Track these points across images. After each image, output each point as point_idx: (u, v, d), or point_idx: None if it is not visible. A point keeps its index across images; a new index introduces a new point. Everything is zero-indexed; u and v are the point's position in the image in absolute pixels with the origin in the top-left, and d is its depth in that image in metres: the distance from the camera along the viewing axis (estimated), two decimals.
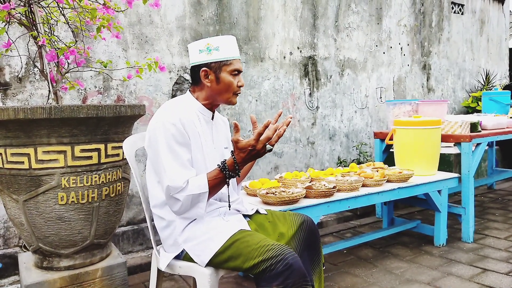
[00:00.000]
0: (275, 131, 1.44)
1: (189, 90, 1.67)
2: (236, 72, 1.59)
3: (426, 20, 5.05)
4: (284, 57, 3.75)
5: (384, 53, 4.57)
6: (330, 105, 4.11)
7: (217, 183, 1.48)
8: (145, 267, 2.69)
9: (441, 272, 2.55)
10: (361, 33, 4.34)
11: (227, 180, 1.48)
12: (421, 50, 5.01)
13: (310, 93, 3.95)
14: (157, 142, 1.48)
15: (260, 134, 1.42)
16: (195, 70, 1.60)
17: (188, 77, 3.18)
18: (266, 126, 1.40)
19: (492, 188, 4.86)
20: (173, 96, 3.11)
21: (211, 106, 1.66)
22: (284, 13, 3.73)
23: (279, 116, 1.53)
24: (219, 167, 1.48)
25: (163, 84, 3.07)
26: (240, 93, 1.64)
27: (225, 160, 1.49)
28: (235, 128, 1.44)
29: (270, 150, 1.47)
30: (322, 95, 4.05)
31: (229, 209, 1.60)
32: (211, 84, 1.59)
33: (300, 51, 3.86)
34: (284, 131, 1.47)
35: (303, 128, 3.92)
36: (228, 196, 1.59)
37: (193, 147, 1.54)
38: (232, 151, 1.47)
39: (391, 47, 4.64)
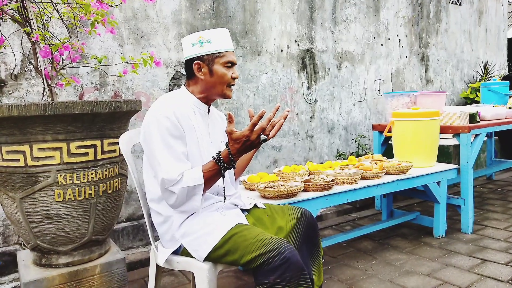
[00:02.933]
0: (269, 121, 1.43)
1: (184, 85, 1.66)
2: (230, 64, 1.59)
3: (424, 11, 5.02)
4: (282, 51, 3.73)
5: (382, 45, 4.55)
6: (328, 98, 4.10)
7: (212, 175, 1.47)
8: (145, 262, 2.70)
9: (440, 264, 2.55)
10: (358, 25, 4.31)
11: (222, 172, 1.47)
12: (419, 41, 4.98)
13: (308, 86, 3.94)
14: (151, 136, 1.47)
15: (254, 124, 1.41)
16: (188, 64, 1.60)
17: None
18: (260, 116, 1.39)
19: (491, 179, 4.86)
20: (171, 91, 3.09)
21: (207, 100, 1.65)
22: (280, 6, 3.70)
23: (277, 109, 1.52)
24: (214, 159, 1.47)
25: (160, 79, 3.06)
26: (234, 84, 1.63)
27: (220, 151, 1.48)
28: (229, 119, 1.43)
29: (265, 141, 1.46)
30: (320, 88, 4.03)
31: (224, 201, 1.60)
32: (204, 76, 1.58)
33: (298, 44, 3.84)
34: (282, 124, 1.46)
35: (301, 122, 3.90)
36: (224, 188, 1.58)
37: (188, 141, 1.53)
38: (226, 143, 1.47)
39: (389, 39, 4.62)
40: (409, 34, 4.85)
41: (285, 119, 1.47)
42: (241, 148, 1.44)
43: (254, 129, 1.42)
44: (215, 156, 1.47)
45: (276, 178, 2.45)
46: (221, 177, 1.50)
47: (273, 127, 1.44)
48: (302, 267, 1.36)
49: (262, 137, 1.45)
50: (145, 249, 2.88)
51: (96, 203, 1.81)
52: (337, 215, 3.68)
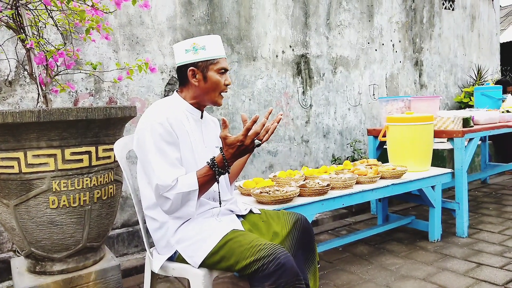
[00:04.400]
0: (263, 126, 1.44)
1: (176, 91, 1.67)
2: (223, 71, 1.60)
3: (417, 17, 5.07)
4: (277, 56, 3.74)
5: (376, 50, 4.58)
6: (323, 103, 4.11)
7: (207, 180, 1.47)
8: (141, 269, 2.68)
9: (436, 268, 2.56)
10: (352, 30, 4.34)
11: (217, 177, 1.48)
12: (413, 46, 5.02)
13: (303, 91, 3.95)
14: (145, 142, 1.48)
15: (248, 129, 1.42)
16: (181, 70, 1.61)
17: None
18: (254, 121, 1.41)
19: (485, 183, 4.89)
20: (166, 96, 3.10)
21: (199, 105, 1.66)
22: (275, 11, 3.72)
23: (270, 113, 1.53)
24: (208, 164, 1.47)
25: (155, 85, 3.06)
26: (226, 91, 1.64)
27: (214, 157, 1.48)
28: (223, 124, 1.44)
29: (259, 145, 1.47)
30: (315, 93, 4.05)
31: (220, 206, 1.60)
32: (198, 83, 1.59)
33: (293, 50, 3.86)
34: (275, 127, 1.47)
35: (297, 127, 3.92)
36: (219, 193, 1.58)
37: (182, 146, 1.53)
38: (221, 148, 1.47)
39: (383, 44, 4.65)
40: (403, 39, 4.89)
41: (278, 122, 1.48)
42: (235, 153, 1.45)
43: (248, 134, 1.43)
44: (209, 162, 1.48)
45: (272, 183, 2.45)
46: (216, 182, 1.51)
47: (267, 132, 1.45)
48: (297, 273, 1.36)
49: (256, 142, 1.45)
50: (140, 255, 2.87)
51: (91, 210, 1.81)
52: (333, 219, 3.68)
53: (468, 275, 2.43)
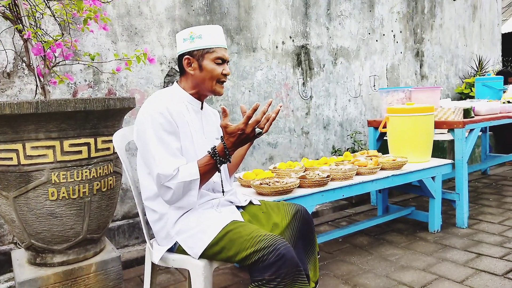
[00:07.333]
0: (264, 114, 1.42)
1: (176, 81, 1.66)
2: (220, 61, 1.58)
3: (419, 7, 5.02)
4: (277, 47, 3.71)
5: (377, 40, 4.55)
6: (323, 94, 4.09)
7: (208, 169, 1.47)
8: (141, 260, 2.69)
9: (435, 258, 2.56)
10: (353, 21, 4.31)
11: (218, 166, 1.47)
12: (414, 37, 4.99)
13: (304, 82, 3.93)
14: (145, 132, 1.47)
15: (249, 117, 1.41)
16: (180, 59, 1.60)
17: None
18: (254, 110, 1.40)
19: (486, 174, 4.89)
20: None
21: (199, 96, 1.65)
22: (275, 1, 3.68)
23: (269, 105, 1.51)
24: (209, 153, 1.47)
25: (154, 76, 3.04)
26: (225, 81, 1.62)
27: (215, 146, 1.48)
28: (223, 113, 1.43)
29: (260, 134, 1.45)
30: (316, 85, 4.02)
31: (223, 195, 1.60)
32: (194, 72, 1.58)
33: (293, 40, 3.83)
34: (275, 117, 1.46)
35: (297, 118, 3.90)
36: (222, 182, 1.58)
37: (182, 136, 1.53)
38: (221, 137, 1.46)
39: (383, 35, 4.62)
40: (404, 29, 4.85)
41: (276, 114, 1.47)
42: (236, 142, 1.44)
43: (249, 123, 1.42)
44: (210, 150, 1.47)
45: (272, 174, 2.44)
46: (217, 172, 1.50)
47: (267, 120, 1.43)
48: (297, 264, 1.36)
49: (257, 130, 1.44)
50: (141, 247, 2.87)
51: (91, 202, 1.80)
52: (333, 211, 3.68)
53: (468, 265, 2.44)
